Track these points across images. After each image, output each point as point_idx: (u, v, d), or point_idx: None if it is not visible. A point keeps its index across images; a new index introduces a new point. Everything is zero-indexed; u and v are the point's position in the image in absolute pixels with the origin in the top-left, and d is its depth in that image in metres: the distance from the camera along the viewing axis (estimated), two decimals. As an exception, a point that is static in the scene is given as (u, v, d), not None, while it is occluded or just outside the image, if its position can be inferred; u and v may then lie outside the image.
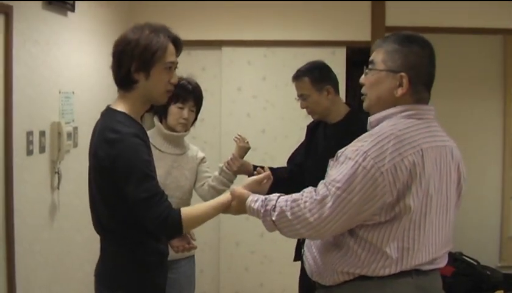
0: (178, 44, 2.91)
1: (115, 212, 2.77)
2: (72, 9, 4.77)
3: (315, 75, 4.11)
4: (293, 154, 4.49)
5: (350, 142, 4.01)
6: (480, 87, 7.23)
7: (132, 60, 2.77)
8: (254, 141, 6.36)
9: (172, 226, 2.68)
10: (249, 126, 6.41)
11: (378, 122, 2.66)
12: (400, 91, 2.61)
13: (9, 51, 3.91)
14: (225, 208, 2.84)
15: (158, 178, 3.88)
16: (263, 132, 6.41)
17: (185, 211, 2.72)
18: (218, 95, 6.38)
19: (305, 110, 4.22)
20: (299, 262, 4.33)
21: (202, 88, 4.14)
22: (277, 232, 2.79)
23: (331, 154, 4.10)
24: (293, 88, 4.22)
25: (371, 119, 2.72)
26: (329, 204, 2.45)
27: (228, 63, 6.43)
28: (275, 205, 2.60)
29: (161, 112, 4.02)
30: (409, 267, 2.56)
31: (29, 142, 4.13)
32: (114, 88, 2.91)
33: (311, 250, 2.83)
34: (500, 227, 7.23)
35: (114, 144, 2.68)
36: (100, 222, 2.88)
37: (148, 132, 4.07)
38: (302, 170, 4.27)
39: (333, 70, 4.23)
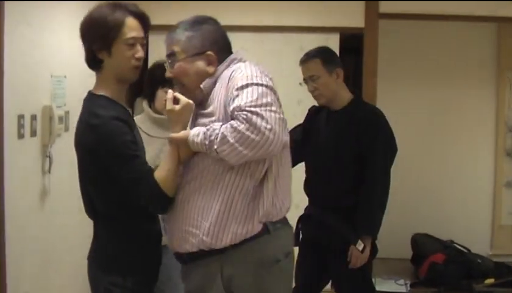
0: (142, 18, 2.86)
1: (106, 195, 2.80)
2: (65, -7, 4.75)
3: (326, 57, 4.14)
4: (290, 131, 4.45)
5: (355, 129, 4.05)
6: (473, 75, 7.21)
7: (93, 40, 2.79)
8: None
9: (162, 197, 2.72)
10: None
11: (215, 83, 2.83)
12: (211, 69, 2.84)
13: (1, 34, 3.89)
14: (176, 154, 2.77)
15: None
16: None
17: (156, 176, 2.72)
18: (211, 80, 6.36)
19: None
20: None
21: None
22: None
23: (336, 139, 4.13)
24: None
25: (206, 84, 2.84)
26: (259, 119, 2.52)
27: (222, 48, 6.40)
28: (218, 133, 2.58)
29: (149, 96, 4.02)
30: None
31: (20, 126, 4.12)
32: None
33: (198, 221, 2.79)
34: (491, 216, 7.23)
35: (96, 129, 2.72)
36: (92, 207, 2.89)
37: (138, 117, 4.08)
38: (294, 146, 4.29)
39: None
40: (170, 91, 2.82)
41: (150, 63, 4.26)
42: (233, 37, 6.39)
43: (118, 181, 2.69)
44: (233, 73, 2.72)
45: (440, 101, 7.24)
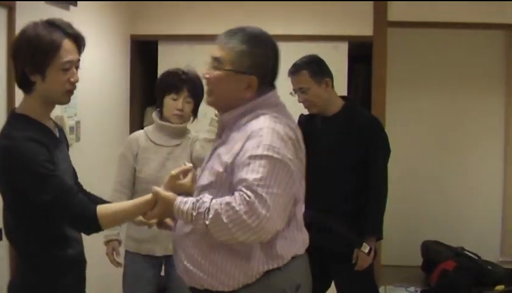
0: (78, 40, 2.71)
1: (20, 220, 2.66)
2: (75, 3, 4.78)
3: (314, 68, 4.16)
4: None
5: (356, 133, 4.07)
6: (482, 83, 7.21)
7: (25, 62, 2.59)
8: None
9: (87, 223, 2.57)
10: (251, 120, 6.40)
11: (236, 120, 2.69)
12: (248, 93, 2.68)
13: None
14: (147, 206, 2.64)
15: (152, 171, 3.92)
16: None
17: (101, 208, 2.59)
18: (220, 89, 6.38)
19: (306, 103, 4.26)
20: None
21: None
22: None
23: (337, 145, 4.16)
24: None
25: (226, 117, 2.74)
26: (262, 204, 2.40)
27: (230, 57, 6.41)
28: (208, 207, 2.47)
29: (158, 104, 4.03)
30: None
31: (31, 135, 4.13)
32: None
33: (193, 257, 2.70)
34: (501, 222, 7.22)
35: (6, 150, 2.55)
36: (7, 232, 2.74)
37: (148, 127, 4.10)
38: None
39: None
40: (190, 165, 2.75)
41: (160, 72, 4.30)
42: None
43: (35, 203, 2.53)
44: (257, 132, 2.55)
45: (450, 108, 7.25)
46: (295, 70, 4.21)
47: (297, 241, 2.74)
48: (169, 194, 2.62)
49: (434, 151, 7.27)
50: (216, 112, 3.91)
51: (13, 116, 2.70)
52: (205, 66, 2.77)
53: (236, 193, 2.44)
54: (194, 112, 4.08)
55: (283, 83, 6.36)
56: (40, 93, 2.64)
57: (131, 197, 3.95)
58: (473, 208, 7.19)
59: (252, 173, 2.44)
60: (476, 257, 6.41)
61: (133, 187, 4.00)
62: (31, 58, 2.57)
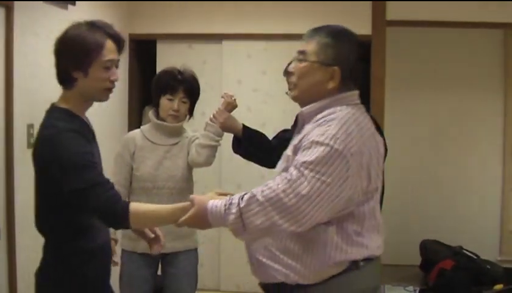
0: (119, 41, 2.83)
1: (50, 209, 2.74)
2: (73, 3, 4.78)
3: None
4: (280, 132, 4.40)
5: None
6: (481, 81, 7.21)
7: (69, 59, 2.72)
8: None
9: (114, 218, 2.63)
10: (249, 119, 6.32)
11: (314, 114, 2.70)
12: (331, 85, 2.69)
13: (10, 44, 3.93)
14: (182, 212, 2.61)
15: (149, 169, 3.91)
16: (263, 125, 6.39)
17: (135, 206, 2.66)
18: (218, 88, 6.36)
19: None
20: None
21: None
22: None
23: None
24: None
25: (307, 110, 2.75)
26: (304, 184, 2.38)
27: (229, 56, 6.42)
28: (242, 195, 2.46)
29: (154, 104, 4.03)
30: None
31: (30, 135, 4.15)
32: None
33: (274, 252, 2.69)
34: (500, 221, 7.22)
35: (49, 140, 2.66)
36: (37, 220, 2.82)
37: (145, 126, 4.09)
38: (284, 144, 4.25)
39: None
40: (232, 193, 2.68)
41: (158, 71, 4.28)
42: (241, 45, 6.47)
43: (67, 192, 2.60)
44: (327, 122, 2.56)
45: (448, 107, 7.24)
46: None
47: (374, 241, 2.68)
48: (204, 197, 2.61)
49: (433, 150, 7.27)
50: (211, 117, 3.92)
51: (55, 109, 2.81)
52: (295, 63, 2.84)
53: (278, 176, 2.46)
54: (190, 111, 4.07)
55: (281, 83, 6.37)
56: (81, 90, 2.77)
57: (128, 196, 3.96)
58: (471, 207, 7.19)
59: (306, 157, 2.44)
60: (474, 257, 6.41)
61: (130, 185, 3.99)
62: (75, 57, 2.70)
